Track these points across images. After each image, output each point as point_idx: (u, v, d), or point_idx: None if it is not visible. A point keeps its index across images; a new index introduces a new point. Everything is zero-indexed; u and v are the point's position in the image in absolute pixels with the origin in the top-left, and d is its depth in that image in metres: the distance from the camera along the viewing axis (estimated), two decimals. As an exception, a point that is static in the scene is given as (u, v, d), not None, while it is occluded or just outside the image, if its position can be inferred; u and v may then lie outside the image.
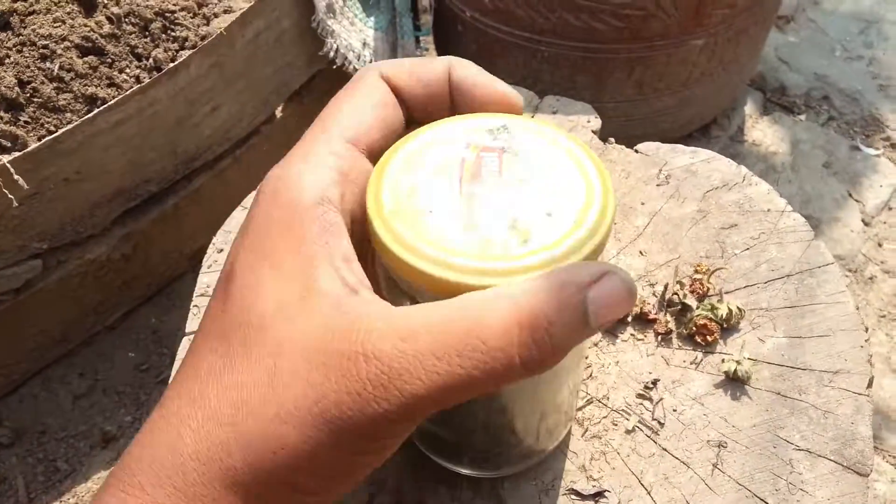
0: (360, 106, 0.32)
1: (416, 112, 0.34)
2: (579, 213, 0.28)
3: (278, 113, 1.17)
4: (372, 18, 1.15)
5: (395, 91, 0.33)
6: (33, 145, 0.80)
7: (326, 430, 0.25)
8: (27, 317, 0.97)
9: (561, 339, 0.25)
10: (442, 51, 1.32)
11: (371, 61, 1.13)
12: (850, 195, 1.30)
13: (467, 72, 0.33)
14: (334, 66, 1.13)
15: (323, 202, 0.28)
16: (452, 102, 0.34)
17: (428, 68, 0.33)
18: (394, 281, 0.30)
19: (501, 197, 0.29)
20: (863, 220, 1.26)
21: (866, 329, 0.51)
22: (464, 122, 0.32)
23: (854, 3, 1.69)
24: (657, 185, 0.61)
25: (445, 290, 0.26)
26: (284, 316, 0.26)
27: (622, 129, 1.17)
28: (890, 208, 1.28)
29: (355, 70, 1.13)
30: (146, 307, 1.18)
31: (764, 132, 1.43)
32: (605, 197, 0.29)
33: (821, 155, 1.38)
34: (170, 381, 0.29)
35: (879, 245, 1.21)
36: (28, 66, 0.88)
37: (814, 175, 1.34)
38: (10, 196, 0.79)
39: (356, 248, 0.29)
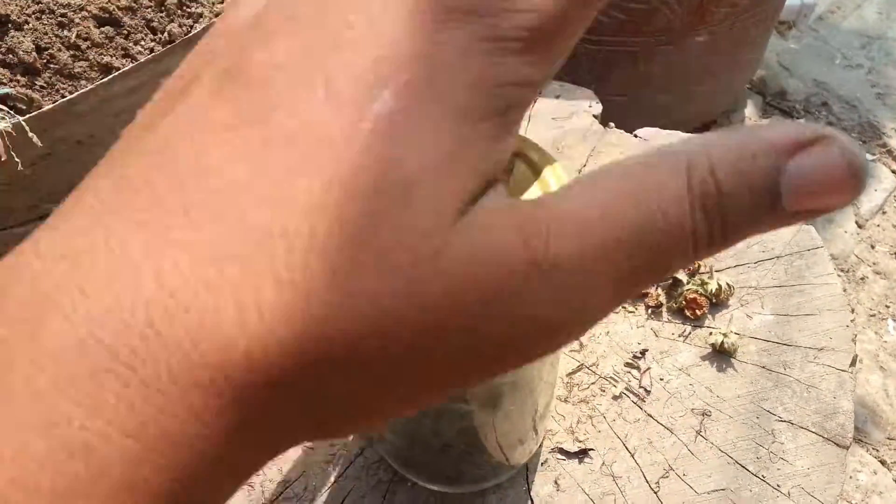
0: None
1: None
2: None
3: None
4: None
5: None
6: (48, 106, 0.82)
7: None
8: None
9: (737, 218, 0.16)
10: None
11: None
12: (845, 198, 1.32)
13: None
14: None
15: None
16: None
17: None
18: None
19: None
20: (856, 223, 1.28)
21: (852, 310, 0.53)
22: None
23: (858, 19, 1.71)
24: (655, 170, 0.62)
25: None
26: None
27: (622, 125, 1.19)
28: (884, 212, 1.30)
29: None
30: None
31: (763, 134, 1.44)
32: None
33: (818, 158, 1.39)
34: None
35: (872, 247, 1.23)
36: (46, 33, 0.90)
37: (810, 177, 1.35)
38: (16, 159, 0.80)
39: None
